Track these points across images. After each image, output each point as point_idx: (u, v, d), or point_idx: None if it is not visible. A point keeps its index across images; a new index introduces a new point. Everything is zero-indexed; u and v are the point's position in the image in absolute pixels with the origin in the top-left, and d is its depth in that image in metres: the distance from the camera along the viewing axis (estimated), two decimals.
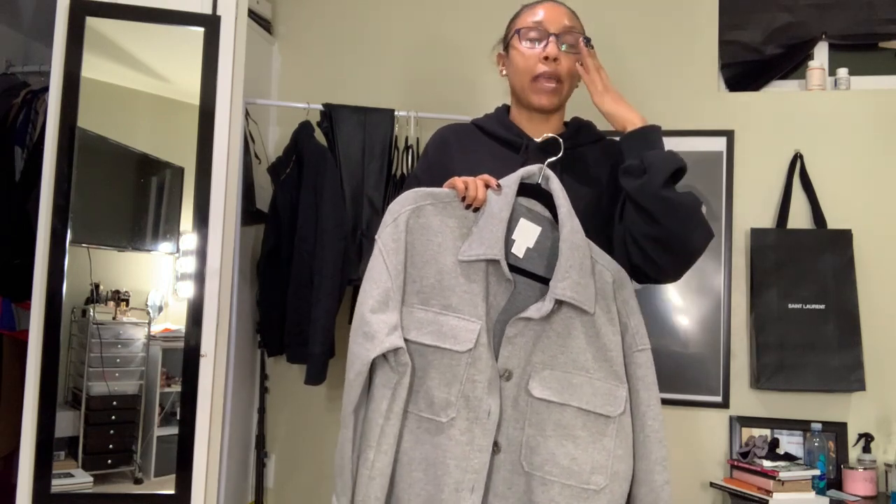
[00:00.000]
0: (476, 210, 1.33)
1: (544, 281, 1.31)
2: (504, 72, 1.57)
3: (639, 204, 1.32)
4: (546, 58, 1.45)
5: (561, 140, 1.43)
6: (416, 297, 1.32)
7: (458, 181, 1.34)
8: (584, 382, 1.29)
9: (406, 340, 1.30)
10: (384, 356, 1.29)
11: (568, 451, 1.27)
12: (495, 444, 1.29)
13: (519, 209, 1.34)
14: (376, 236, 1.35)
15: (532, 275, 1.32)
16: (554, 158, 1.40)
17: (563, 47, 1.47)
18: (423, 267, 1.32)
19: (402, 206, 1.34)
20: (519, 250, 1.33)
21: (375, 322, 1.27)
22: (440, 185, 1.50)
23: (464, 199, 1.33)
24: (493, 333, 1.31)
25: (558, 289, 1.26)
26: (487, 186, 1.34)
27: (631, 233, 1.36)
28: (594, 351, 1.30)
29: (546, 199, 1.35)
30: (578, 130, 1.56)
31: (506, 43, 1.56)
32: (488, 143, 1.53)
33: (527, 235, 1.33)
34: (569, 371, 1.29)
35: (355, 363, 1.28)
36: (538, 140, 1.49)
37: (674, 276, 1.41)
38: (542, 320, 1.29)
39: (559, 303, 1.28)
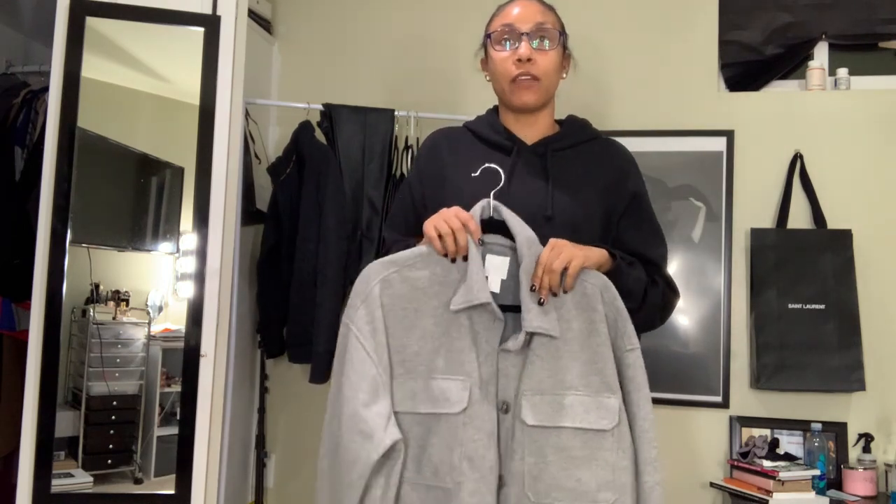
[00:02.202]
0: (465, 258, 1.31)
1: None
2: (488, 77, 1.55)
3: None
4: (519, 59, 1.44)
5: (501, 172, 1.40)
6: (402, 368, 1.31)
7: (436, 240, 1.30)
8: (574, 402, 1.28)
9: (401, 413, 1.29)
10: None
11: (571, 473, 1.26)
12: (500, 478, 1.28)
13: (484, 247, 1.33)
14: (347, 320, 1.33)
15: (512, 307, 1.32)
16: (496, 189, 1.37)
17: (535, 44, 1.45)
18: (403, 336, 1.31)
19: (368, 284, 1.33)
20: (495, 286, 1.32)
21: (371, 417, 1.26)
22: (434, 192, 1.50)
23: (445, 254, 1.31)
24: (495, 376, 1.30)
25: (526, 321, 1.26)
26: (464, 224, 1.32)
27: None
28: (580, 367, 1.29)
29: (504, 229, 1.34)
30: (573, 129, 1.56)
31: (485, 48, 1.55)
32: (480, 147, 1.52)
33: (498, 269, 1.33)
34: (558, 393, 1.28)
35: (356, 465, 1.25)
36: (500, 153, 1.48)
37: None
38: (525, 348, 1.29)
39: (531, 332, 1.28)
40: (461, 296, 1.29)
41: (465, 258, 1.31)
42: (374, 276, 1.33)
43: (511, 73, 1.45)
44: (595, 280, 1.32)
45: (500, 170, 1.40)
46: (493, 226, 1.35)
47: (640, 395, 1.31)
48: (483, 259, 1.32)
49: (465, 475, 1.25)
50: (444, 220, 1.31)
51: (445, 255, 1.31)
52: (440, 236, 1.30)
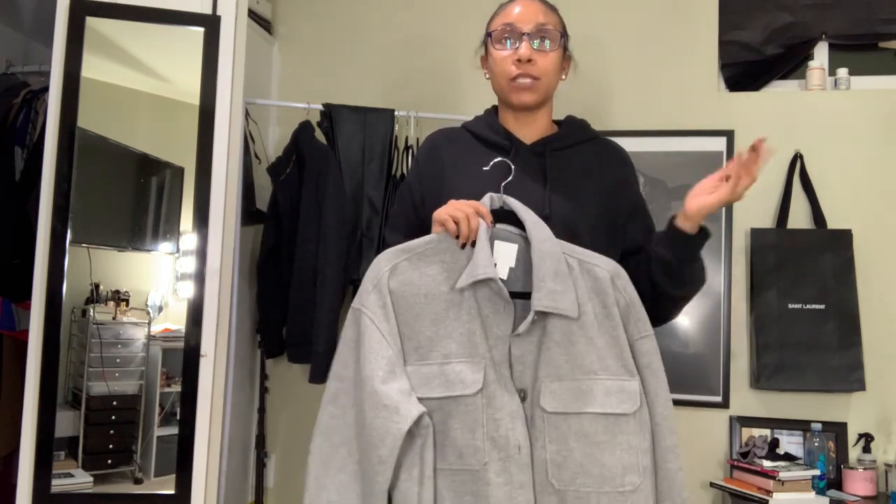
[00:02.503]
0: (473, 244, 1.31)
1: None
2: (487, 74, 1.55)
3: (658, 299, 1.43)
4: (519, 60, 1.44)
5: (511, 166, 1.42)
6: (416, 354, 1.31)
7: (449, 221, 1.31)
8: (594, 386, 1.28)
9: (418, 399, 1.28)
10: None
11: (596, 459, 1.26)
12: None
13: (492, 233, 1.33)
14: (358, 305, 1.32)
15: (522, 293, 1.32)
16: (506, 181, 1.40)
17: (535, 44, 1.45)
18: (414, 323, 1.31)
19: (379, 270, 1.33)
20: (503, 272, 1.32)
21: (393, 392, 1.26)
22: (433, 192, 1.50)
23: (457, 236, 1.32)
24: (507, 361, 1.30)
25: (535, 300, 1.26)
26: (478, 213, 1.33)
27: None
28: (597, 351, 1.29)
29: (511, 219, 1.35)
30: (572, 129, 1.56)
31: (486, 45, 1.54)
32: (478, 148, 1.52)
33: (506, 256, 1.33)
34: (577, 378, 1.28)
35: (386, 439, 1.24)
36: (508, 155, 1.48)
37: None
38: (540, 333, 1.29)
39: (546, 313, 1.28)
40: (468, 272, 1.29)
41: (475, 244, 1.31)
42: (386, 263, 1.34)
43: (510, 72, 1.45)
44: (606, 265, 1.32)
45: (511, 163, 1.41)
46: (501, 217, 1.35)
47: (658, 381, 1.30)
48: (492, 245, 1.33)
49: (490, 455, 1.25)
50: (456, 208, 1.32)
51: (457, 238, 1.32)
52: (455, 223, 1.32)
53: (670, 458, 1.29)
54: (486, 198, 1.36)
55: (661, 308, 1.44)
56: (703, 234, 1.39)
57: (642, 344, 1.31)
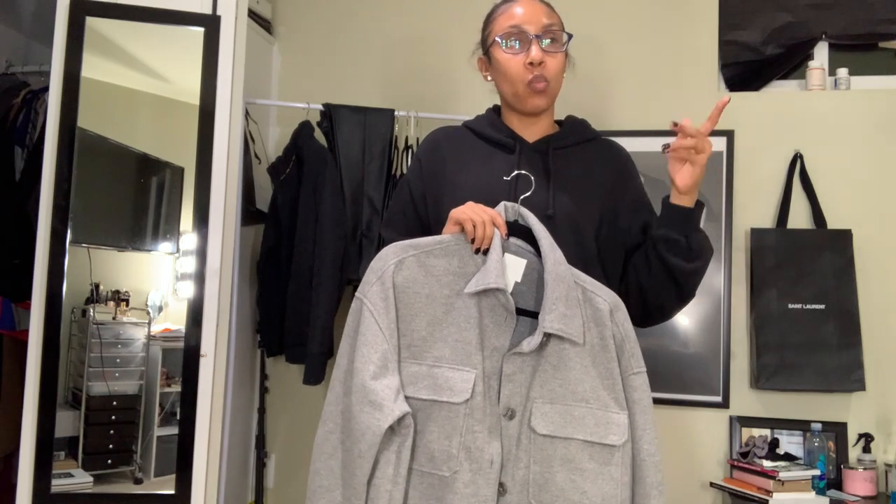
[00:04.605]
0: (485, 252, 1.30)
1: (535, 315, 1.30)
2: (489, 77, 1.54)
3: (676, 279, 1.43)
4: (531, 63, 1.43)
5: (532, 179, 1.43)
6: (408, 352, 1.30)
7: (468, 223, 1.30)
8: (585, 414, 1.28)
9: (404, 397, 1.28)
10: None
11: (578, 486, 1.26)
12: (501, 485, 1.27)
13: (502, 244, 1.33)
14: (361, 295, 1.32)
15: (523, 310, 1.31)
16: (526, 195, 1.40)
17: (544, 43, 1.44)
18: (411, 320, 1.31)
19: (385, 262, 1.32)
20: (508, 285, 1.31)
21: (380, 389, 1.25)
22: (436, 190, 1.49)
23: (472, 240, 1.31)
24: (497, 375, 1.29)
25: (546, 321, 1.25)
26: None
27: (646, 291, 1.45)
28: (591, 380, 1.29)
29: (522, 234, 1.34)
30: (573, 128, 1.56)
31: (485, 48, 1.53)
32: (481, 146, 1.51)
33: (513, 270, 1.32)
34: (569, 404, 1.28)
35: (366, 435, 1.25)
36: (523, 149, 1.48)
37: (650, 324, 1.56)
38: (536, 354, 1.28)
39: (549, 335, 1.28)
40: (477, 279, 1.28)
41: (486, 252, 1.30)
42: (392, 257, 1.33)
43: (524, 76, 1.44)
44: (607, 297, 1.32)
45: (532, 177, 1.41)
46: (511, 230, 1.35)
47: (646, 418, 1.31)
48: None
49: (462, 465, 1.25)
50: (475, 212, 1.31)
51: (472, 242, 1.31)
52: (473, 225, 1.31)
53: (654, 495, 1.29)
54: (500, 206, 1.35)
55: (682, 286, 1.45)
56: (699, 205, 1.41)
57: (634, 379, 1.31)
